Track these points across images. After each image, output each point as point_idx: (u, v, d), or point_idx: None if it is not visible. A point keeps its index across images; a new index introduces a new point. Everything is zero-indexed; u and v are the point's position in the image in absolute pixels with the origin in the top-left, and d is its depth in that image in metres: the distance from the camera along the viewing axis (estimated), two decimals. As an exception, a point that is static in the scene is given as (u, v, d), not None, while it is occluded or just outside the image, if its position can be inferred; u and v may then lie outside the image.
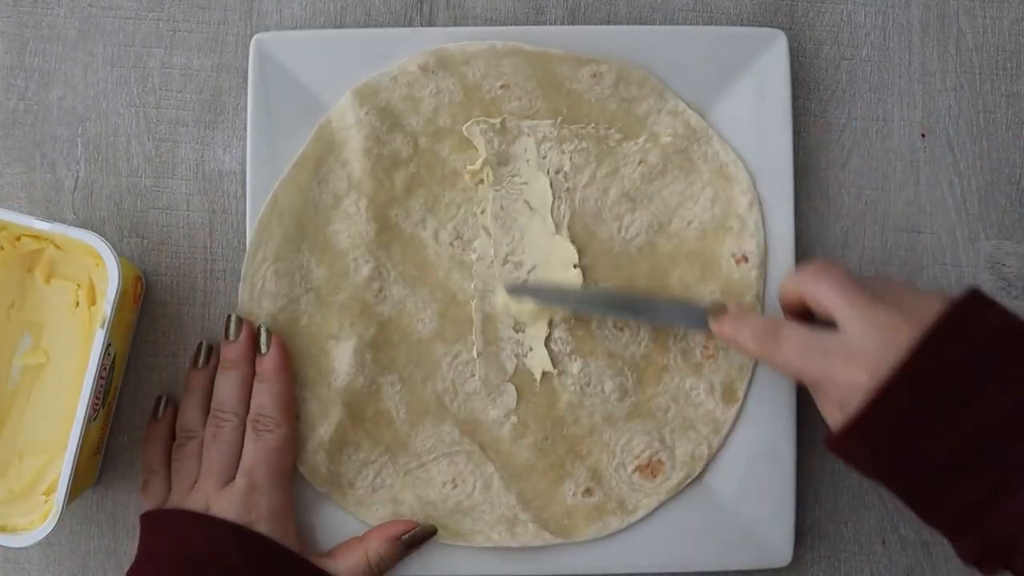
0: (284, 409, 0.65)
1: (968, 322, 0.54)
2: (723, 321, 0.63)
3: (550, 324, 0.67)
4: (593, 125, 0.68)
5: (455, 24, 0.71)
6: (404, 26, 0.71)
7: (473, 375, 0.67)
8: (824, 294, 0.58)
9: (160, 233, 0.70)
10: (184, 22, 0.71)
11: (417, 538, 0.66)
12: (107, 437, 0.69)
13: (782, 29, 0.69)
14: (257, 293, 0.67)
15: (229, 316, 0.66)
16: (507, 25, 0.71)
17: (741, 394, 0.68)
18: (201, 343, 0.68)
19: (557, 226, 0.68)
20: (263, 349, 0.66)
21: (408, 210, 0.68)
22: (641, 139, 0.68)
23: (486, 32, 0.68)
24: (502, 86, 0.68)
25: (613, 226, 0.68)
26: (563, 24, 0.71)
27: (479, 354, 0.67)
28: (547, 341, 0.67)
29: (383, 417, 0.67)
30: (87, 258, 0.65)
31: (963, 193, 0.71)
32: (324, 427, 0.67)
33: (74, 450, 0.60)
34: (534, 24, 0.71)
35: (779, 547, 0.67)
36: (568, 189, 0.68)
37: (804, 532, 0.70)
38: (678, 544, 0.68)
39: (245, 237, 0.67)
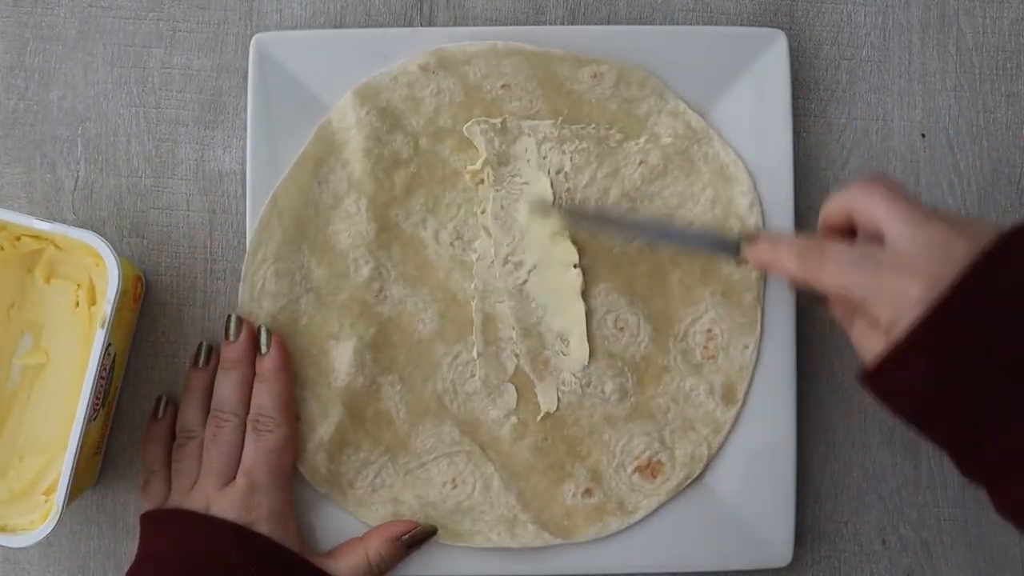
0: (284, 409, 0.65)
1: None
2: (759, 245, 0.59)
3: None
4: (594, 125, 0.68)
5: (455, 24, 0.71)
6: (404, 26, 0.71)
7: (473, 375, 0.68)
8: (875, 207, 0.54)
9: (160, 233, 0.70)
10: (184, 22, 0.71)
11: (417, 538, 0.66)
12: (107, 437, 0.69)
13: (782, 29, 0.69)
14: (257, 293, 0.67)
15: (229, 316, 0.66)
16: (507, 25, 0.71)
17: (741, 395, 0.68)
18: (201, 343, 0.68)
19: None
20: (263, 349, 0.66)
21: (408, 210, 0.68)
22: (642, 140, 0.68)
23: (486, 32, 0.68)
24: (503, 86, 0.68)
25: (613, 226, 0.68)
26: (563, 24, 0.71)
27: (479, 354, 0.67)
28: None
29: (383, 417, 0.68)
30: (87, 258, 0.65)
31: (963, 193, 0.71)
32: (324, 427, 0.67)
33: (74, 450, 0.60)
34: (534, 24, 0.71)
35: (779, 547, 0.67)
36: (568, 189, 0.68)
37: (804, 532, 0.70)
38: (678, 544, 0.68)
39: (245, 237, 0.67)
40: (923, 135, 0.71)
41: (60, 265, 0.66)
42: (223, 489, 0.63)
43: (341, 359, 0.67)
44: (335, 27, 0.71)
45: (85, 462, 0.64)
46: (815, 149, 0.71)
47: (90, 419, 0.61)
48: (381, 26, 0.71)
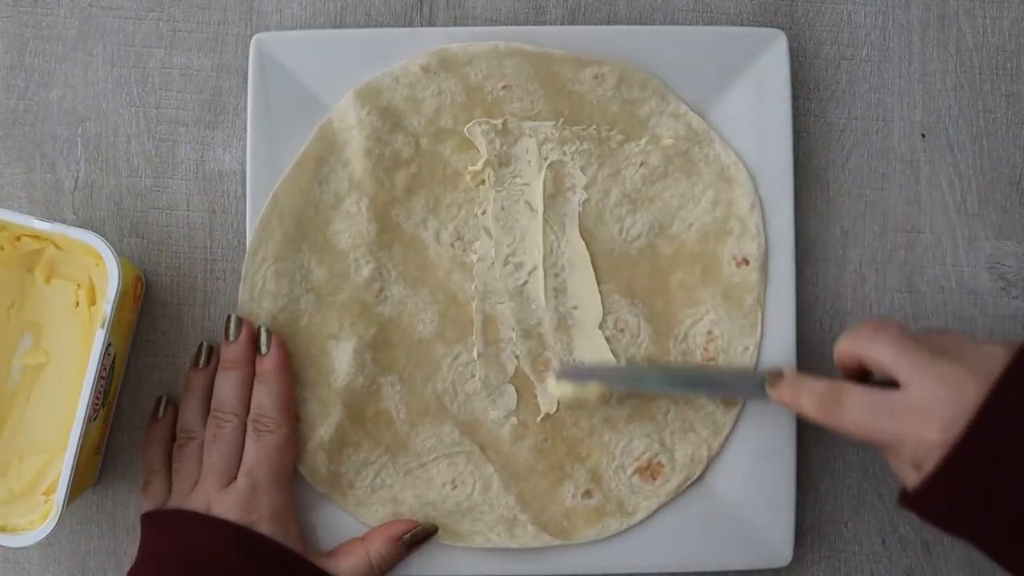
0: (284, 409, 0.65)
1: None
2: (782, 388, 0.62)
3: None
4: (595, 127, 0.68)
5: (455, 24, 0.71)
6: (404, 26, 0.71)
7: (473, 376, 0.68)
8: (882, 353, 0.56)
9: (160, 233, 0.70)
10: (184, 22, 0.71)
11: (418, 538, 0.66)
12: (107, 437, 0.69)
13: (782, 29, 0.69)
14: (257, 293, 0.67)
15: (229, 316, 0.66)
16: (507, 25, 0.71)
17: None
18: (201, 343, 0.68)
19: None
20: (263, 349, 0.66)
21: (409, 210, 0.68)
22: (642, 141, 0.68)
23: (486, 32, 0.68)
24: (504, 87, 0.68)
25: (614, 228, 0.68)
26: (563, 24, 0.71)
27: (479, 355, 0.67)
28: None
29: (383, 417, 0.68)
30: (87, 258, 0.65)
31: (963, 193, 0.71)
32: (324, 427, 0.67)
33: (74, 450, 0.60)
34: (534, 24, 0.71)
35: (779, 547, 0.67)
36: (569, 189, 0.68)
37: (804, 532, 0.70)
38: (678, 544, 0.68)
39: (245, 237, 0.67)
40: (923, 135, 0.71)
41: (60, 265, 0.66)
42: (224, 489, 0.63)
43: (341, 359, 0.67)
44: (335, 27, 0.71)
45: (85, 462, 0.64)
46: (815, 149, 0.71)
47: (90, 419, 0.61)
48: (381, 26, 0.71)
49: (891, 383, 0.56)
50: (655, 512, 0.67)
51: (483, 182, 0.68)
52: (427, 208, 0.68)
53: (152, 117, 0.70)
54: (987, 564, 0.68)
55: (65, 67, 0.70)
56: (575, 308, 0.68)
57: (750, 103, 0.69)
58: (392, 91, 0.67)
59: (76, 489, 0.63)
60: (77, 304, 0.66)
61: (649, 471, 0.67)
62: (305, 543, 0.66)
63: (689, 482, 0.67)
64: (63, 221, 0.66)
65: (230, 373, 0.66)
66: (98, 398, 0.63)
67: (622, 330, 0.68)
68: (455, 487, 0.67)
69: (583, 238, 0.68)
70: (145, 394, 0.69)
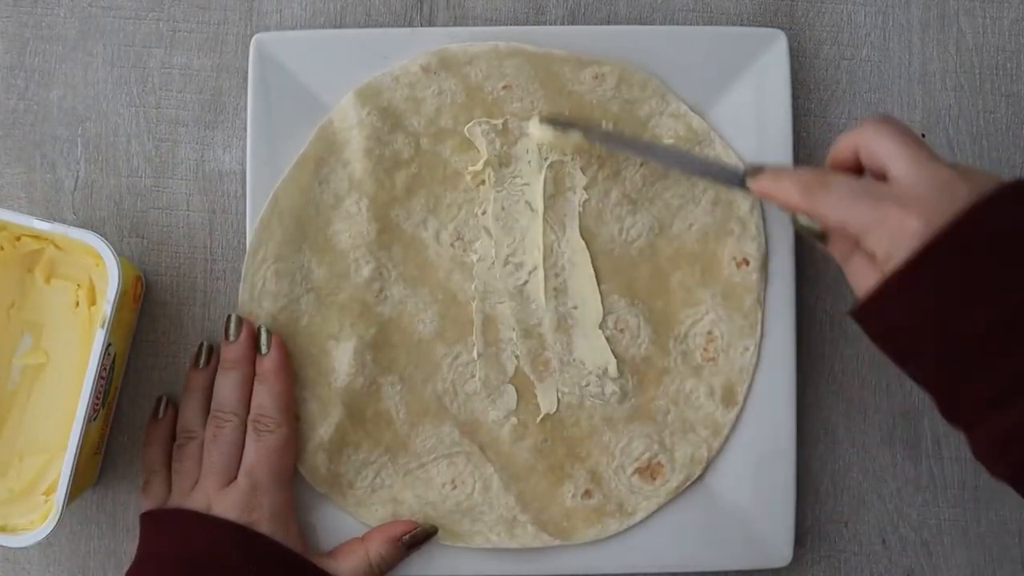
0: (284, 409, 0.65)
1: None
2: (761, 178, 0.59)
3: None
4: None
5: (455, 24, 0.71)
6: (404, 26, 0.71)
7: (473, 376, 0.68)
8: (883, 143, 0.55)
9: (160, 233, 0.70)
10: (184, 22, 0.71)
11: (418, 538, 0.66)
12: (107, 437, 0.69)
13: (782, 29, 0.69)
14: (257, 293, 0.67)
15: (229, 316, 0.66)
16: (507, 25, 0.71)
17: (741, 397, 0.67)
18: (202, 344, 0.68)
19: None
20: (263, 349, 0.66)
21: (409, 211, 0.68)
22: (643, 142, 0.68)
23: (486, 32, 0.68)
24: (504, 87, 0.68)
25: (614, 228, 0.68)
26: (563, 24, 0.71)
27: (479, 355, 0.67)
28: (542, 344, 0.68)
29: (383, 417, 0.68)
30: (87, 258, 0.65)
31: (963, 193, 0.71)
32: (324, 427, 0.67)
33: (74, 450, 0.60)
34: (534, 24, 0.71)
35: (779, 547, 0.68)
36: (569, 190, 0.68)
37: (804, 532, 0.70)
38: (678, 544, 0.68)
39: (245, 237, 0.67)
40: (923, 135, 0.71)
41: (60, 265, 0.66)
42: (224, 489, 0.63)
43: (341, 359, 0.67)
44: (335, 27, 0.71)
45: (85, 462, 0.64)
46: (815, 149, 0.71)
47: (90, 419, 0.61)
48: (381, 26, 0.71)
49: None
50: (655, 512, 0.67)
51: (483, 182, 0.68)
52: (427, 208, 0.68)
53: (152, 117, 0.70)
54: (988, 565, 0.69)
55: (65, 67, 0.70)
56: (575, 308, 0.68)
57: (750, 103, 0.69)
58: (392, 91, 0.67)
59: (76, 489, 0.63)
60: (77, 304, 0.66)
61: (649, 471, 0.68)
62: (305, 543, 0.66)
63: (689, 482, 0.67)
64: (63, 221, 0.66)
65: (230, 373, 0.66)
66: (98, 398, 0.63)
67: (622, 330, 0.68)
68: (455, 487, 0.67)
69: (583, 238, 0.68)
70: (145, 394, 0.69)
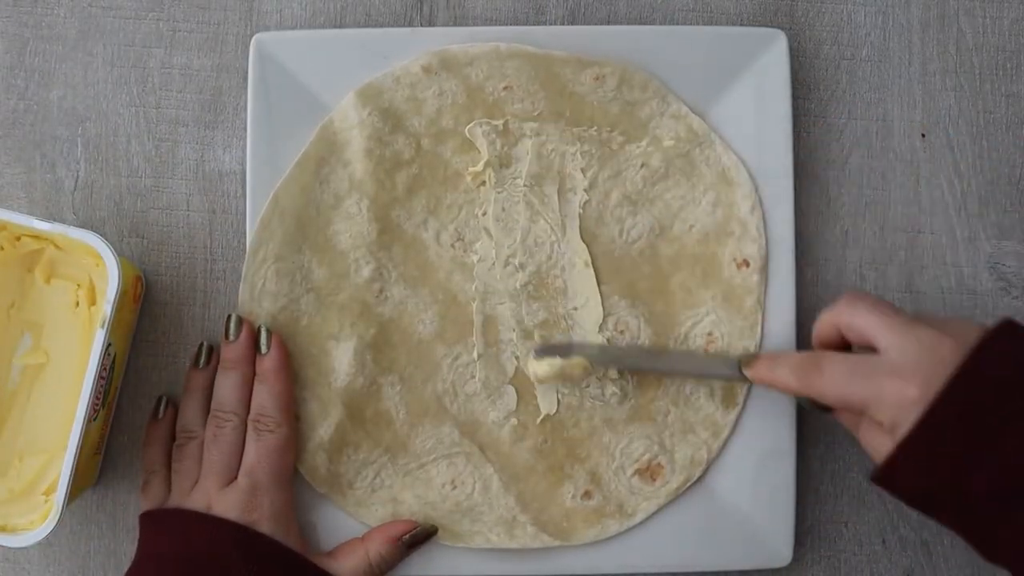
0: (284, 409, 0.65)
1: (1017, 338, 0.54)
2: (757, 366, 0.63)
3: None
4: (595, 128, 0.68)
5: (455, 24, 0.71)
6: (404, 26, 0.71)
7: (473, 377, 0.68)
8: (862, 318, 0.57)
9: (160, 233, 0.70)
10: (184, 22, 0.71)
11: (418, 538, 0.66)
12: (107, 437, 0.69)
13: (782, 29, 0.69)
14: (257, 293, 0.67)
15: (229, 316, 0.66)
16: (507, 25, 0.71)
17: (741, 398, 0.68)
18: (202, 344, 0.68)
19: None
20: (263, 349, 0.66)
21: (410, 211, 0.68)
22: (643, 142, 0.68)
23: (486, 32, 0.68)
24: (505, 88, 0.68)
25: (615, 229, 0.68)
26: (563, 24, 0.71)
27: (479, 356, 0.67)
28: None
29: (383, 418, 0.68)
30: (87, 258, 0.65)
31: (963, 193, 0.71)
32: (324, 427, 0.67)
33: (74, 450, 0.60)
34: (534, 24, 0.71)
35: (779, 547, 0.68)
36: (570, 191, 0.68)
37: (804, 532, 0.70)
38: (678, 544, 0.68)
39: (245, 237, 0.67)
40: (923, 135, 0.71)
41: (60, 265, 0.66)
42: (225, 489, 0.63)
43: (341, 359, 0.67)
44: (335, 27, 0.71)
45: (85, 462, 0.64)
46: (815, 149, 0.71)
47: (90, 419, 0.61)
48: (381, 26, 0.71)
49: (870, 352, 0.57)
50: (655, 513, 0.67)
51: (484, 183, 0.68)
52: (428, 209, 0.68)
53: (152, 117, 0.70)
54: (988, 564, 0.69)
55: (65, 67, 0.70)
56: (575, 309, 0.68)
57: (750, 103, 0.69)
58: (393, 91, 0.67)
59: (76, 489, 0.63)
60: (77, 304, 0.66)
61: (649, 472, 0.68)
62: (305, 543, 0.66)
63: (689, 483, 0.67)
64: (63, 221, 0.66)
65: (230, 373, 0.66)
66: (98, 398, 0.63)
67: (622, 331, 0.68)
68: (455, 487, 0.67)
69: (584, 239, 0.68)
70: (145, 394, 0.69)
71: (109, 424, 0.68)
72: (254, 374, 0.66)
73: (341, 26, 0.71)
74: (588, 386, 0.67)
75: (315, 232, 0.67)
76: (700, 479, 0.68)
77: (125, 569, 0.63)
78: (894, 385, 0.54)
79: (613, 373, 0.67)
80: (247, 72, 0.68)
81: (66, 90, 0.70)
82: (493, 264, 0.68)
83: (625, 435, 0.68)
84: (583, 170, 0.68)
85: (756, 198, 0.68)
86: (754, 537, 0.68)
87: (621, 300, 0.68)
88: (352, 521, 0.67)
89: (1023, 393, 0.52)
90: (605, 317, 0.68)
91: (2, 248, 0.65)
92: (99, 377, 0.61)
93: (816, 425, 0.70)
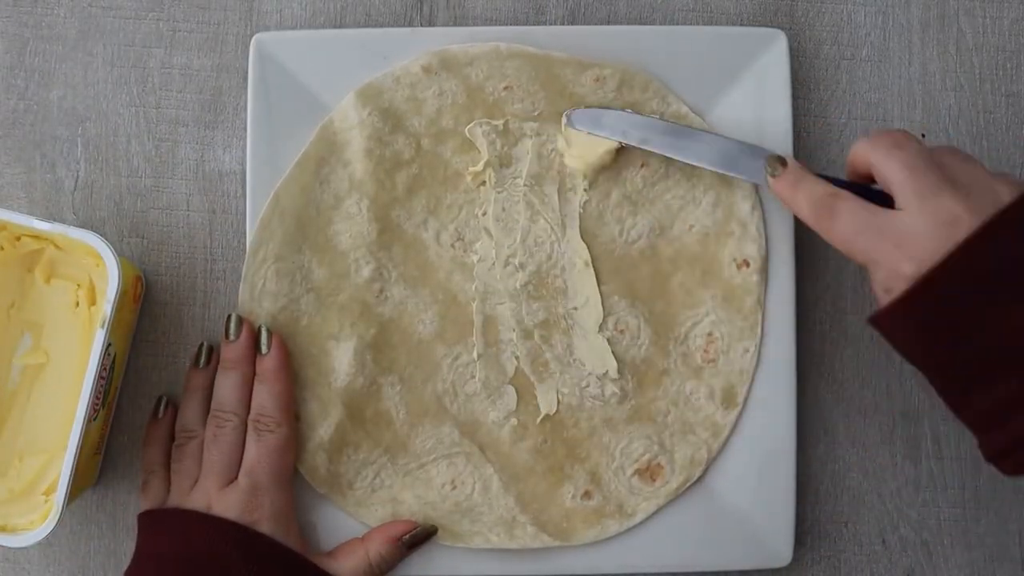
0: (285, 409, 0.65)
1: None
2: (781, 180, 0.62)
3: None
4: (595, 128, 0.68)
5: (455, 24, 0.71)
6: (404, 26, 0.71)
7: (473, 377, 0.68)
8: (892, 171, 0.56)
9: (160, 233, 0.70)
10: (184, 22, 0.71)
11: (418, 538, 0.66)
12: (107, 437, 0.69)
13: (782, 29, 0.69)
14: (257, 293, 0.67)
15: (229, 316, 0.66)
16: (507, 25, 0.71)
17: (741, 398, 0.67)
18: (202, 343, 0.68)
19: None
20: (263, 349, 0.66)
21: (410, 211, 0.68)
22: (643, 143, 0.68)
23: (486, 32, 0.68)
24: (505, 88, 0.68)
25: (615, 229, 0.68)
26: (563, 24, 0.71)
27: (479, 356, 0.67)
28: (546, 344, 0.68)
29: (383, 418, 0.68)
30: (87, 258, 0.65)
31: (963, 193, 0.71)
32: (324, 427, 0.67)
33: (74, 450, 0.60)
34: (534, 24, 0.71)
35: (779, 547, 0.68)
36: (570, 190, 0.68)
37: (804, 532, 0.70)
38: (678, 544, 0.68)
39: (245, 237, 0.67)
40: (923, 135, 0.71)
41: (60, 265, 0.66)
42: (224, 489, 0.63)
43: (341, 359, 0.67)
44: (335, 27, 0.71)
45: (85, 462, 0.64)
46: (815, 149, 0.71)
47: (90, 419, 0.61)
48: (381, 26, 0.71)
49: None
50: (655, 513, 0.67)
51: (484, 183, 0.68)
52: (428, 209, 0.68)
53: (152, 117, 0.70)
54: (988, 565, 0.69)
55: (65, 67, 0.70)
56: (575, 309, 0.68)
57: (750, 103, 0.69)
58: (393, 92, 0.67)
59: (76, 489, 0.63)
60: (77, 304, 0.66)
61: (649, 472, 0.68)
62: (305, 543, 0.66)
63: (689, 483, 0.67)
64: (63, 221, 0.66)
65: (230, 373, 0.66)
66: (98, 398, 0.63)
67: (622, 331, 0.68)
68: (455, 488, 0.67)
69: (584, 239, 0.68)
70: (145, 394, 0.69)
71: (109, 424, 0.68)
72: (254, 374, 0.66)
73: (341, 26, 0.71)
74: (588, 386, 0.67)
75: (315, 232, 0.67)
76: (700, 479, 0.68)
77: (125, 569, 0.63)
78: (893, 255, 0.54)
79: (613, 373, 0.67)
80: (247, 72, 0.68)
81: (66, 90, 0.70)
82: (493, 264, 0.68)
83: (625, 435, 0.68)
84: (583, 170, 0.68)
85: (756, 198, 0.68)
86: (754, 537, 0.68)
87: (621, 300, 0.68)
88: (352, 521, 0.67)
89: (1014, 276, 0.52)
90: (605, 317, 0.68)
91: (2, 248, 0.65)
92: (99, 377, 0.61)
93: (816, 425, 0.70)
